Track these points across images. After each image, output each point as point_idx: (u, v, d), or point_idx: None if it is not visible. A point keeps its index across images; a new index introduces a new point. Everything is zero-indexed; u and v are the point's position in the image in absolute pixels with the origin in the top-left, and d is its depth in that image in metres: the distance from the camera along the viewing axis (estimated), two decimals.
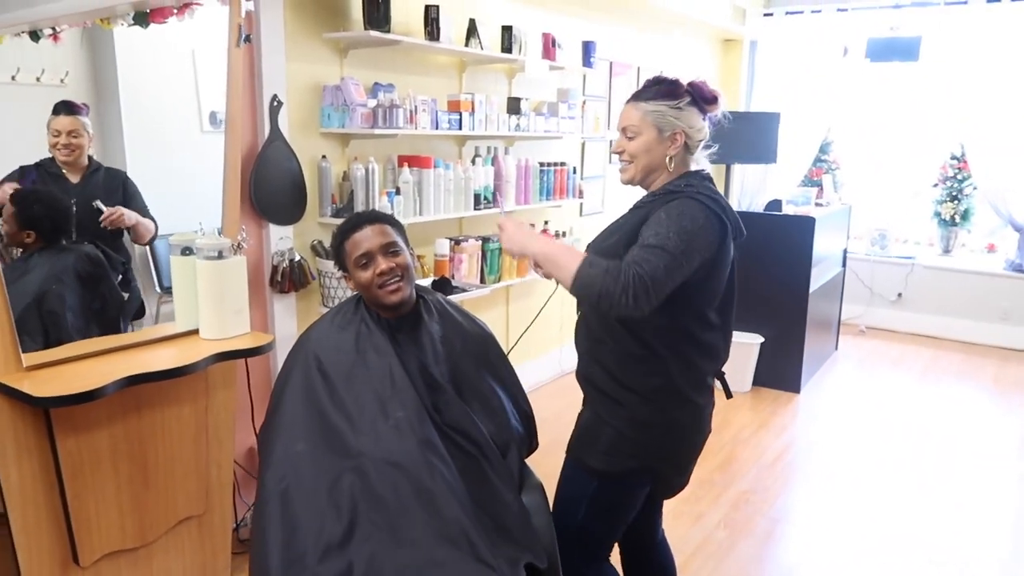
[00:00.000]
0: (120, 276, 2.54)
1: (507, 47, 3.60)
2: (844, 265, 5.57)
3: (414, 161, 3.19)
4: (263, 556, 1.52)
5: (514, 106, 3.72)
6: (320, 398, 1.70)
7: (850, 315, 6.08)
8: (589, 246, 1.82)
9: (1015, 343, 5.66)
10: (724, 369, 1.86)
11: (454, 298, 2.93)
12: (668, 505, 3.13)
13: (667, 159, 1.70)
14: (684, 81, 1.73)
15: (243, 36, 2.46)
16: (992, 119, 5.49)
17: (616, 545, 1.99)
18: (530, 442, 1.94)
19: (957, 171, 5.92)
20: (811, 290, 4.56)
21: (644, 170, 1.73)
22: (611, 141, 5.17)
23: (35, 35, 2.36)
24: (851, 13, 5.90)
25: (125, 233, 2.49)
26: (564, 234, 4.20)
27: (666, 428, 1.73)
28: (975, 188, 5.85)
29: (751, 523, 3.08)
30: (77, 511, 2.08)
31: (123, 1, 2.37)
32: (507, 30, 3.60)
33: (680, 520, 3.07)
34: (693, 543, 2.91)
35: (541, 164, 3.90)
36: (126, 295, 2.56)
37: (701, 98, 1.71)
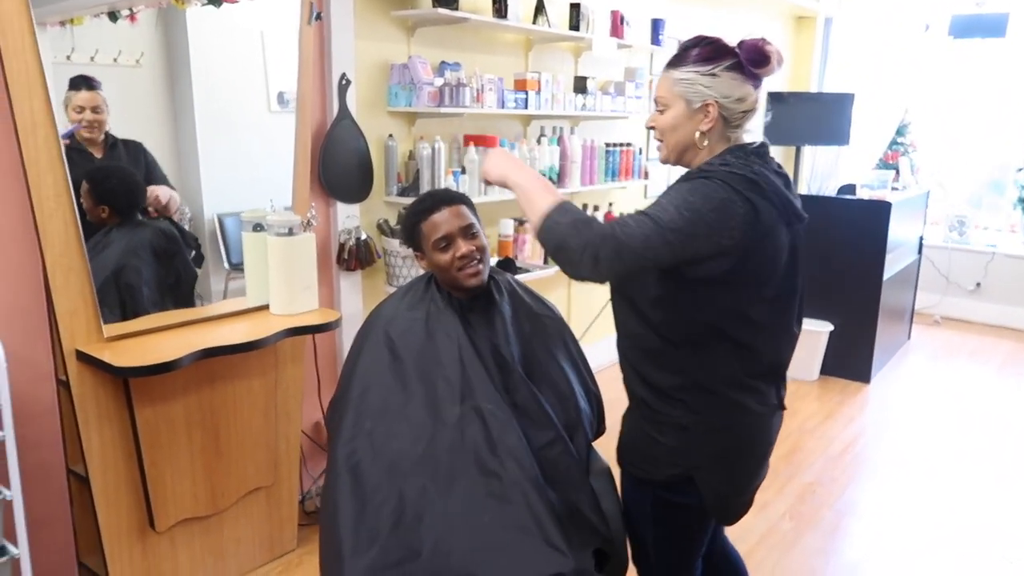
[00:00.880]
0: (193, 252, 2.60)
1: (575, 24, 3.54)
2: (920, 253, 5.36)
3: (479, 140, 3.18)
4: (334, 528, 1.54)
5: (580, 85, 3.67)
6: (389, 377, 1.70)
7: (925, 305, 5.86)
8: None
9: None
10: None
11: (518, 278, 2.92)
12: None
13: (697, 135, 1.46)
14: (730, 41, 1.47)
15: (314, 14, 2.48)
16: None
17: None
18: (598, 426, 1.92)
19: None
20: (884, 278, 4.40)
21: (676, 149, 1.50)
22: None
23: (113, 16, 2.41)
24: None
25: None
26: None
27: (705, 431, 1.51)
28: None
29: (817, 515, 3.00)
30: (154, 478, 2.16)
31: None
32: (575, 7, 3.54)
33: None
34: (757, 533, 2.85)
35: (607, 144, 3.84)
36: (199, 271, 2.62)
37: (749, 60, 1.43)
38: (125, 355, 1.99)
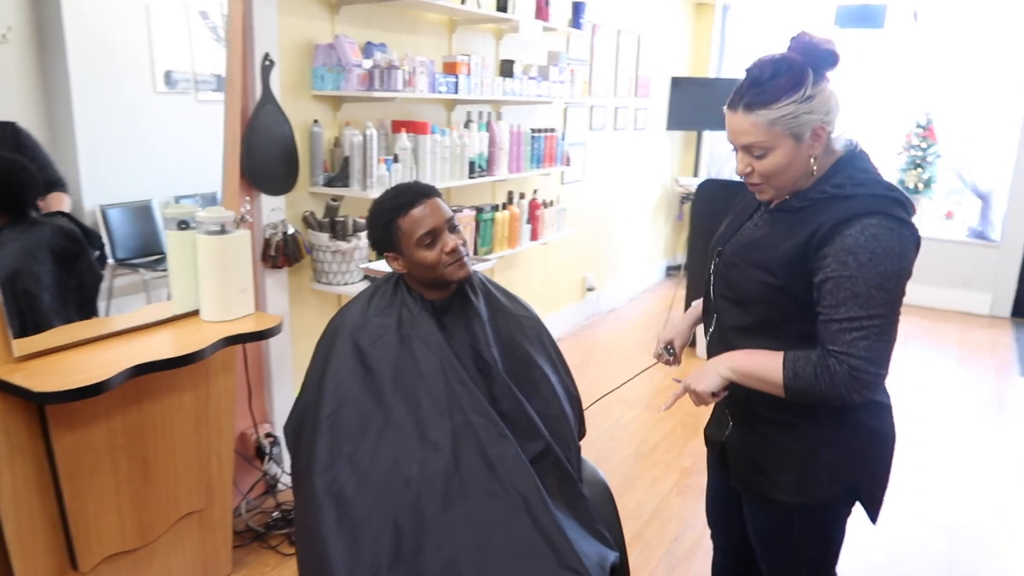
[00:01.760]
0: (98, 252, 2.31)
1: (502, 5, 3.41)
2: None
3: (410, 127, 3.00)
4: (325, 566, 1.38)
5: (507, 69, 3.55)
6: (365, 393, 1.55)
7: None
8: (720, 252, 1.53)
9: (977, 308, 5.82)
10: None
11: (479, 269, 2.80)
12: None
13: (812, 161, 1.36)
14: (791, 55, 1.34)
15: None
16: (959, 86, 5.56)
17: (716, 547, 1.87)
18: (580, 428, 1.83)
19: (922, 139, 6.00)
20: None
21: (789, 185, 1.38)
22: (616, 109, 5.05)
23: None
24: None
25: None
26: (551, 203, 4.07)
27: (857, 440, 1.46)
28: (939, 156, 5.95)
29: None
30: (75, 513, 1.90)
31: None
32: None
33: (687, 495, 3.03)
34: (700, 522, 2.87)
35: (532, 130, 3.74)
36: (103, 272, 2.34)
37: (820, 65, 1.34)
38: (42, 377, 1.73)
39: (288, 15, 2.64)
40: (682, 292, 4.90)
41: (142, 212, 2.49)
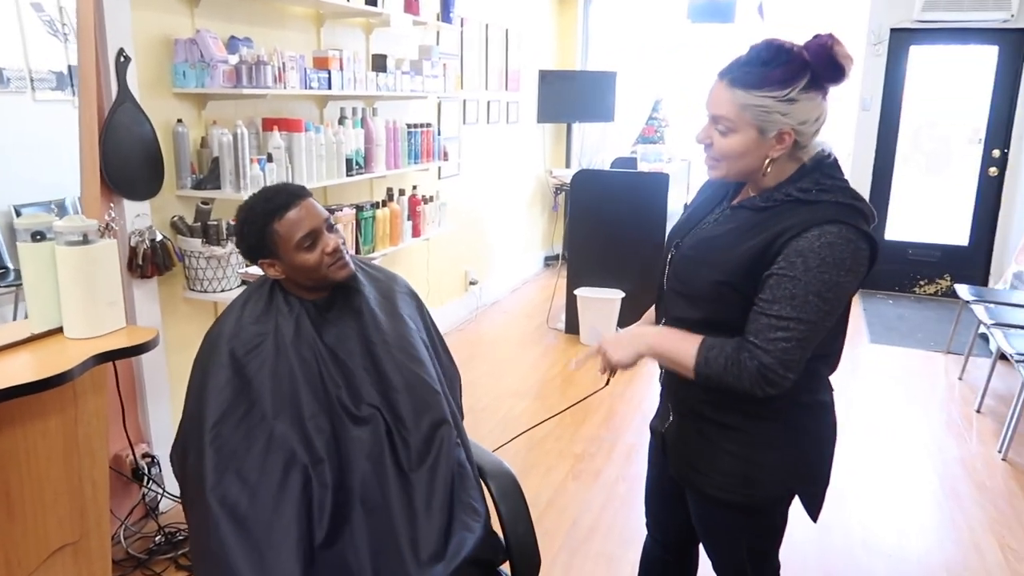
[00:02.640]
0: None
1: None
2: None
3: (283, 124, 2.89)
4: None
5: (380, 63, 3.49)
6: (244, 405, 1.51)
7: None
8: (678, 244, 1.52)
9: None
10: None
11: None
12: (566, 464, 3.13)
13: (766, 161, 1.35)
14: (800, 48, 1.30)
15: None
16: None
17: (650, 533, 1.88)
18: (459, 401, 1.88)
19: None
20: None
21: (741, 174, 1.40)
22: (488, 103, 5.04)
23: None
24: None
25: None
26: (431, 199, 4.04)
27: (799, 442, 1.48)
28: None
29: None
30: None
31: None
32: None
33: (581, 479, 3.11)
34: (598, 503, 2.95)
35: (408, 126, 3.70)
36: None
37: (825, 76, 1.29)
38: None
39: (143, 8, 2.48)
40: (563, 281, 5.00)
41: None
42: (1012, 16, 5.25)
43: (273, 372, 1.54)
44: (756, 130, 1.32)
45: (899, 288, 6.07)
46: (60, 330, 2.01)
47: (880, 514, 2.90)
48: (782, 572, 1.70)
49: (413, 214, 3.84)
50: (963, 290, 4.27)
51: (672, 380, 1.59)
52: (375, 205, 3.51)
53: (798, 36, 1.34)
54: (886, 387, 4.20)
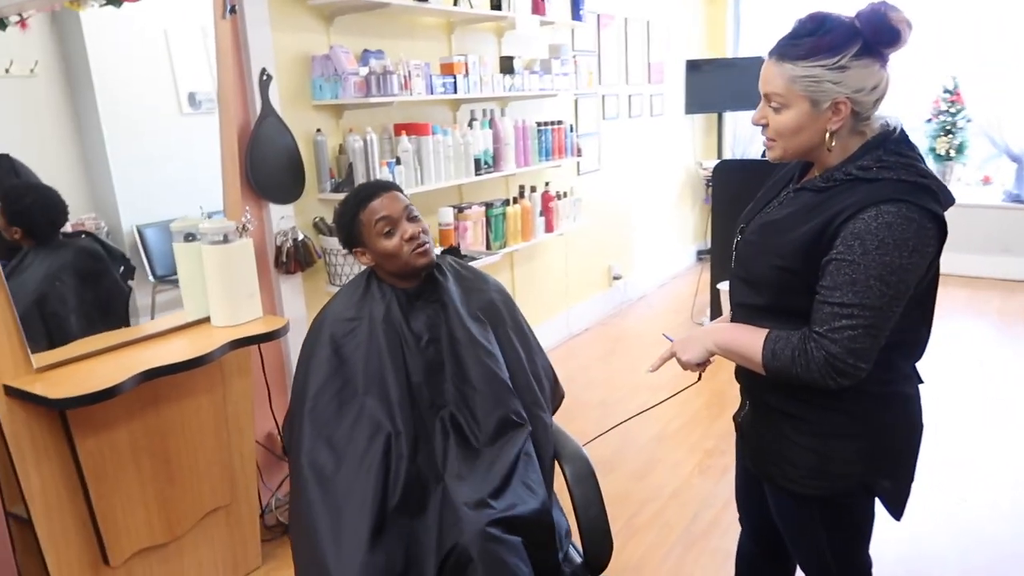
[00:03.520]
0: (122, 267, 2.44)
1: (496, 4, 3.48)
2: None
3: (411, 129, 3.09)
4: (314, 541, 1.48)
5: (507, 65, 3.61)
6: (339, 383, 1.66)
7: None
8: (742, 230, 1.50)
9: (1017, 275, 5.65)
10: None
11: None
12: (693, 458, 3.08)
13: (827, 135, 1.29)
14: (851, 17, 1.25)
15: (228, 7, 2.35)
16: (985, 48, 5.41)
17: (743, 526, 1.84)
18: (555, 393, 1.92)
19: (950, 104, 5.85)
20: None
21: (799, 151, 1.34)
22: (629, 96, 5.09)
23: (1, 23, 2.24)
24: None
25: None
26: (565, 194, 4.11)
27: (878, 435, 1.41)
28: (969, 120, 5.79)
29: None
30: (103, 511, 2.03)
31: None
32: None
33: (708, 474, 3.05)
34: (720, 500, 2.89)
35: (538, 124, 3.80)
36: (131, 285, 2.46)
37: (878, 41, 1.24)
38: (59, 385, 1.86)
39: (282, 30, 2.75)
40: (707, 276, 4.88)
41: None
42: None
43: (365, 353, 1.68)
44: (808, 102, 1.27)
45: None
46: (208, 319, 2.30)
47: None
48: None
49: (546, 210, 3.93)
50: None
51: (743, 368, 1.56)
52: (505, 202, 3.63)
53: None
54: None
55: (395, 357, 1.67)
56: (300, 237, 2.81)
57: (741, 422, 1.62)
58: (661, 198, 5.87)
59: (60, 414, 1.91)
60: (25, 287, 2.12)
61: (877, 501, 1.49)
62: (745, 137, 6.47)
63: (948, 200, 1.30)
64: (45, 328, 2.17)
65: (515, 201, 3.73)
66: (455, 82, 3.20)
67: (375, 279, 1.79)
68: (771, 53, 1.31)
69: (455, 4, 3.29)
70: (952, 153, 5.89)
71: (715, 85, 5.96)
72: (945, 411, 3.53)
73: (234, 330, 2.23)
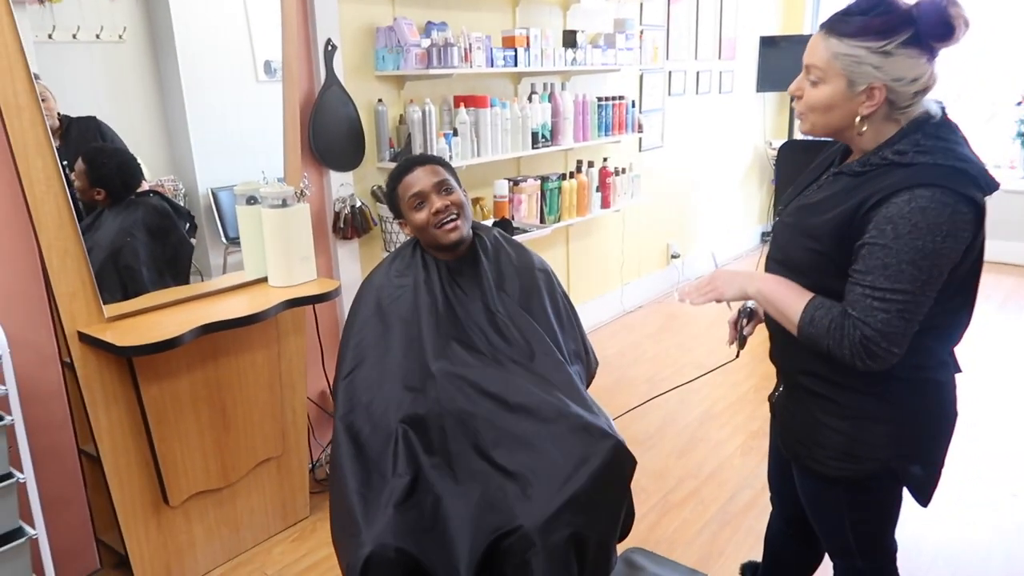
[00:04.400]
0: (188, 225, 2.57)
1: None
2: None
3: (470, 101, 3.14)
4: (345, 495, 1.57)
5: (570, 39, 3.61)
6: (382, 348, 1.74)
7: None
8: (780, 212, 1.50)
9: None
10: None
11: (515, 238, 2.91)
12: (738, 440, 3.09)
13: (857, 119, 1.29)
14: (909, 5, 1.23)
15: None
16: None
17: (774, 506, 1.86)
18: (589, 365, 1.95)
19: None
20: None
21: (827, 129, 1.34)
22: (698, 73, 5.02)
23: None
24: None
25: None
26: (624, 171, 4.10)
27: (907, 420, 1.40)
28: None
29: None
30: (164, 454, 2.18)
31: None
32: None
33: (750, 456, 3.05)
34: (760, 481, 2.88)
35: (599, 99, 3.79)
36: (193, 242, 2.59)
37: (930, 33, 1.22)
38: (127, 335, 2.00)
39: (349, 2, 2.82)
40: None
41: None
42: None
43: (407, 319, 1.75)
44: (845, 81, 1.27)
45: None
46: (266, 279, 2.42)
47: None
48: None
49: (603, 185, 3.94)
50: None
51: (777, 348, 1.57)
52: (562, 176, 3.66)
53: None
54: None
55: (434, 323, 1.74)
56: (358, 204, 2.90)
57: (775, 402, 1.64)
58: (726, 177, 5.77)
59: (127, 361, 2.06)
60: (101, 242, 2.27)
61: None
62: None
63: (990, 185, 1.28)
64: (120, 280, 2.33)
65: (572, 176, 3.74)
66: (516, 55, 3.22)
67: (419, 250, 1.85)
68: (822, 26, 1.30)
69: None
70: None
71: (789, 63, 5.76)
72: (999, 403, 3.42)
73: (289, 290, 2.34)
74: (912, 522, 2.48)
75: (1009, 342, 4.23)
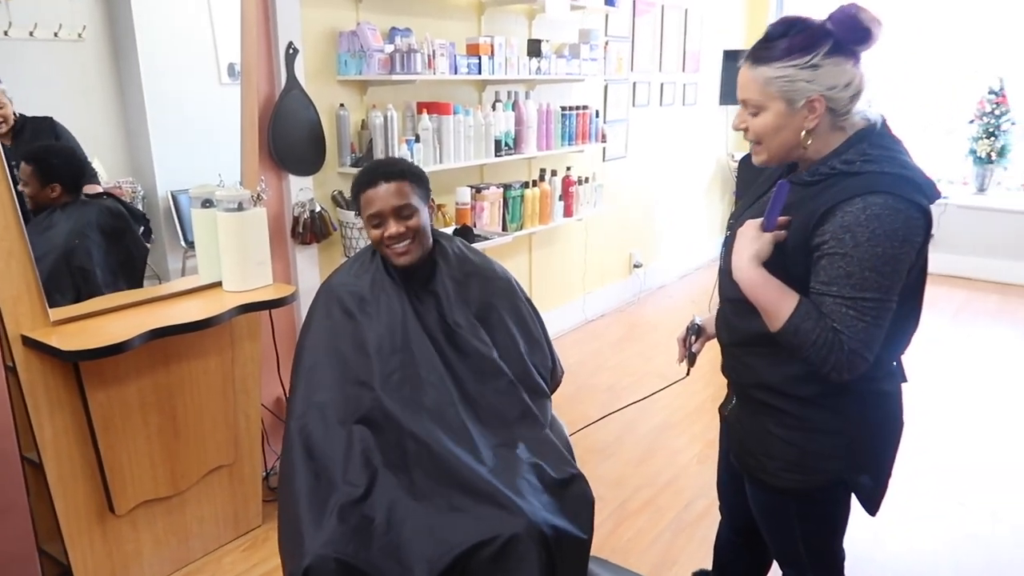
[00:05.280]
0: (142, 228, 2.52)
1: None
2: None
3: (433, 108, 3.13)
4: (292, 501, 1.55)
5: (534, 48, 3.62)
6: (335, 349, 1.72)
7: None
8: (732, 225, 1.51)
9: None
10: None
11: (476, 246, 2.91)
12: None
13: (803, 134, 1.32)
14: (822, 19, 1.29)
15: None
16: None
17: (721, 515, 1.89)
18: (555, 374, 1.95)
19: (995, 106, 5.71)
20: None
21: (780, 151, 1.36)
22: (662, 85, 5.06)
23: None
24: None
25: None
26: (587, 180, 4.13)
27: (855, 431, 1.43)
28: (1013, 124, 5.65)
29: None
30: (110, 462, 2.13)
31: None
32: None
33: (707, 464, 3.07)
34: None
35: (563, 108, 3.81)
36: (149, 246, 2.55)
37: (849, 39, 1.27)
38: (73, 339, 1.95)
39: (311, 6, 2.80)
40: None
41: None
42: None
43: (363, 323, 1.74)
44: (784, 102, 1.31)
45: None
46: (221, 284, 2.38)
47: None
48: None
49: (566, 194, 3.95)
50: None
51: (728, 363, 1.58)
52: (525, 185, 3.66)
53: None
54: None
55: (392, 330, 1.72)
56: (317, 209, 2.87)
57: (727, 415, 1.66)
58: (689, 188, 5.84)
59: (73, 366, 2.01)
60: (54, 243, 2.22)
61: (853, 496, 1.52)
62: None
63: (933, 194, 1.31)
64: (73, 282, 2.27)
65: (535, 184, 3.75)
66: (480, 63, 3.22)
67: (379, 255, 1.84)
68: (745, 59, 1.34)
69: None
70: (993, 156, 5.76)
71: None
72: (949, 414, 3.51)
73: (244, 295, 2.31)
74: (861, 532, 2.51)
75: (960, 354, 4.33)
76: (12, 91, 2.13)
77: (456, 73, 3.13)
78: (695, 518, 2.71)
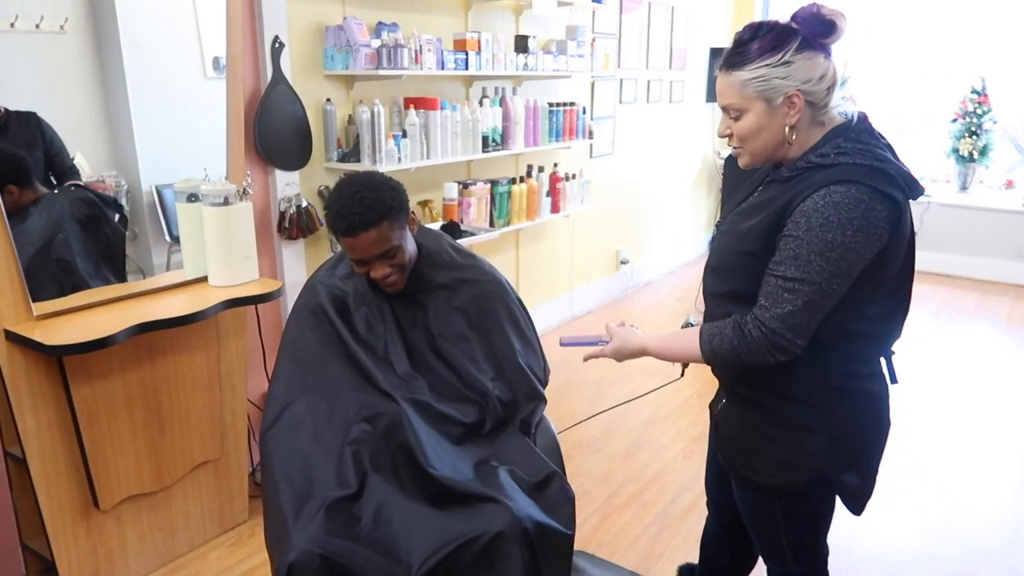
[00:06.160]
0: (117, 215, 2.47)
1: None
2: None
3: (420, 103, 3.13)
4: (276, 500, 1.54)
5: (522, 44, 3.62)
6: (314, 352, 1.71)
7: None
8: (719, 224, 1.56)
9: None
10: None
11: (463, 242, 2.91)
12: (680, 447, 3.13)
13: (786, 130, 1.35)
14: (787, 19, 1.34)
15: None
16: (1015, 49, 5.32)
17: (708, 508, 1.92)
18: (544, 371, 1.94)
19: (977, 105, 5.77)
20: None
21: (765, 151, 1.39)
22: (648, 82, 5.08)
23: None
24: None
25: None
26: (574, 176, 4.14)
27: (838, 430, 1.44)
28: (995, 123, 5.71)
29: None
30: (95, 457, 2.12)
31: None
32: None
33: (692, 460, 3.10)
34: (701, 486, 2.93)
35: (550, 104, 3.82)
36: (126, 232, 2.50)
37: (814, 34, 1.31)
38: (57, 333, 1.94)
39: (298, 0, 2.79)
40: None
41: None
42: None
43: (346, 328, 1.74)
44: (763, 101, 1.34)
45: None
46: (206, 278, 2.37)
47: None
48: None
49: (553, 191, 3.96)
50: None
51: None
52: (512, 181, 3.67)
53: None
54: None
55: (375, 338, 1.73)
56: (304, 204, 2.87)
57: (716, 413, 1.68)
58: (676, 185, 5.86)
59: (57, 361, 1.99)
60: (31, 239, 2.19)
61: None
62: None
63: (913, 188, 1.34)
64: (54, 275, 2.25)
65: (522, 180, 3.76)
66: (467, 59, 3.22)
67: None
68: (720, 67, 1.39)
69: None
70: (975, 155, 5.82)
71: None
72: (929, 410, 3.54)
73: (229, 290, 2.30)
74: (843, 526, 2.53)
75: (942, 351, 4.38)
76: None
77: (443, 68, 3.13)
78: (681, 513, 2.73)
